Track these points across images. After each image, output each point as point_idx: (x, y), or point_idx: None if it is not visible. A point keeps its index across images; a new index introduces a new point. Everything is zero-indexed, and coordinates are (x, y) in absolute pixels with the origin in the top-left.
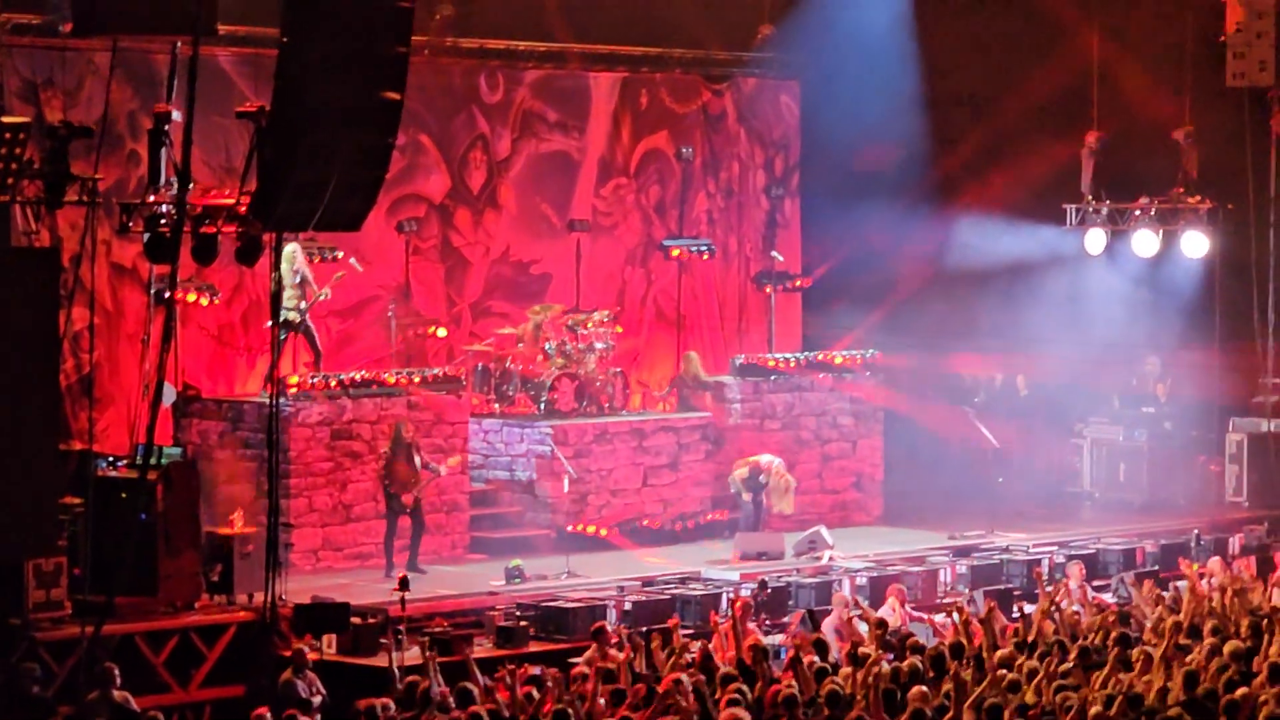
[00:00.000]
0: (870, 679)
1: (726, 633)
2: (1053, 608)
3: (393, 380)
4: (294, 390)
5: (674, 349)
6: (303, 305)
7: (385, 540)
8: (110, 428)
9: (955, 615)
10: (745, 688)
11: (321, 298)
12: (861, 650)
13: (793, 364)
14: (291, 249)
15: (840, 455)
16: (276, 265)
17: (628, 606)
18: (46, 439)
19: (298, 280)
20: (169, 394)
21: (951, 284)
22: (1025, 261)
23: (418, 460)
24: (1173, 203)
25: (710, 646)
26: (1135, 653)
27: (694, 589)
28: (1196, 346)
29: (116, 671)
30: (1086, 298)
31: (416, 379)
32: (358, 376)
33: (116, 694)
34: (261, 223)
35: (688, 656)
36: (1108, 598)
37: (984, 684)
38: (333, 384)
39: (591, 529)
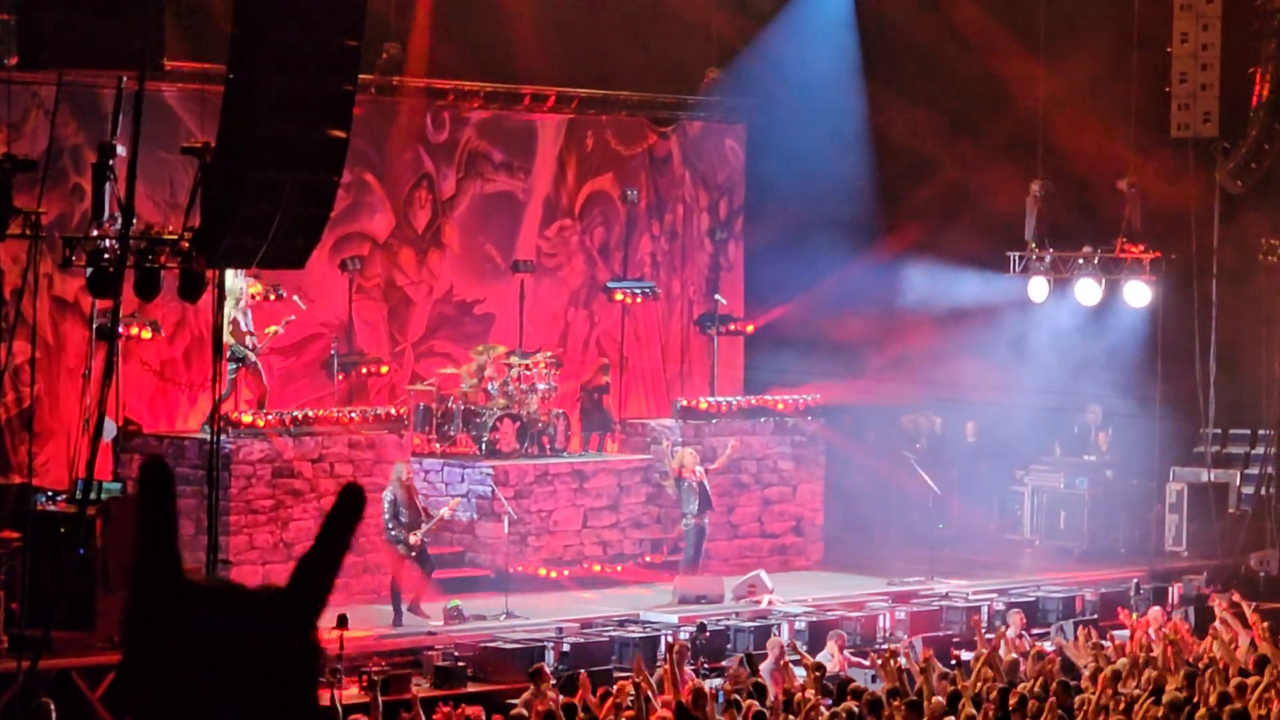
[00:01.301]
0: None
1: (663, 676)
2: (992, 655)
3: (343, 417)
4: (247, 426)
5: (616, 391)
6: (256, 344)
7: (394, 589)
8: (50, 462)
9: (892, 661)
10: None
11: (271, 333)
12: (799, 696)
13: (734, 407)
14: (237, 284)
15: (780, 499)
16: (220, 302)
17: (566, 648)
18: None
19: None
20: (109, 429)
21: (895, 329)
22: (969, 308)
23: (419, 501)
24: (1115, 252)
25: (646, 691)
26: (1076, 701)
27: (633, 631)
28: (1138, 395)
29: (52, 706)
30: (1029, 345)
31: (357, 417)
32: (299, 415)
33: None
34: (205, 259)
35: (626, 699)
36: (1047, 646)
37: None
38: (280, 421)
39: (544, 571)
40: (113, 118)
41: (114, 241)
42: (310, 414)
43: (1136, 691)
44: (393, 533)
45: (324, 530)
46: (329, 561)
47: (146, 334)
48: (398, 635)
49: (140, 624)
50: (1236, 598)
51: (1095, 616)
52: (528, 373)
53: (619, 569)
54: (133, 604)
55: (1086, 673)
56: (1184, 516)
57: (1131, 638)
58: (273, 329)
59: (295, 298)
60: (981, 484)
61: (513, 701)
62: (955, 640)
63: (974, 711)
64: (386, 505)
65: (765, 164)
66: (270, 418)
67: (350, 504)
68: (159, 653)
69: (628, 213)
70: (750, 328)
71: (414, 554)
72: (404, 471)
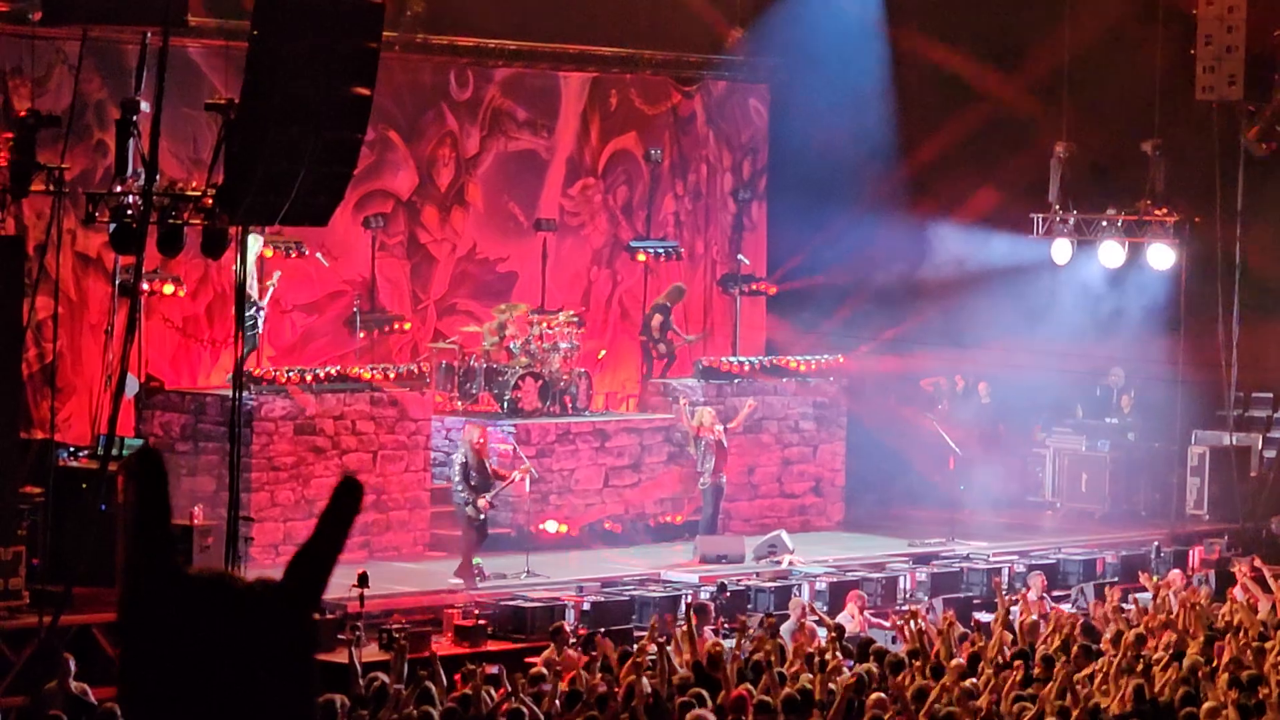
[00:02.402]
0: (833, 685)
1: (682, 636)
2: (1012, 617)
3: (367, 375)
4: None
5: (637, 351)
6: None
7: (468, 553)
8: (72, 418)
9: (912, 622)
10: (704, 692)
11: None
12: (820, 657)
13: (756, 367)
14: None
15: (801, 460)
16: (243, 259)
17: (586, 607)
18: (7, 428)
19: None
20: (132, 385)
21: (918, 290)
22: (992, 269)
23: (490, 464)
24: (1140, 214)
25: (669, 650)
26: (1098, 664)
27: (653, 591)
28: (1161, 358)
29: (73, 662)
30: (1052, 307)
31: (382, 375)
32: (323, 372)
33: (73, 685)
34: (228, 215)
35: (646, 659)
36: (1067, 608)
37: (940, 693)
38: (302, 377)
39: (563, 528)
40: (137, 73)
41: (137, 197)
42: (335, 371)
43: (1157, 655)
44: (461, 494)
45: (321, 524)
46: (325, 556)
47: (170, 289)
48: (418, 593)
49: (135, 614)
50: (1258, 562)
51: (1116, 579)
52: (550, 331)
53: (640, 527)
54: (126, 594)
55: (1107, 636)
56: (1205, 480)
57: (1153, 601)
58: (269, 284)
59: (318, 255)
60: (1003, 446)
61: (533, 660)
62: (976, 602)
63: (993, 674)
64: (457, 468)
65: (789, 124)
66: (294, 374)
67: (348, 498)
68: (154, 643)
69: (651, 172)
70: (773, 288)
71: (481, 518)
72: (475, 434)
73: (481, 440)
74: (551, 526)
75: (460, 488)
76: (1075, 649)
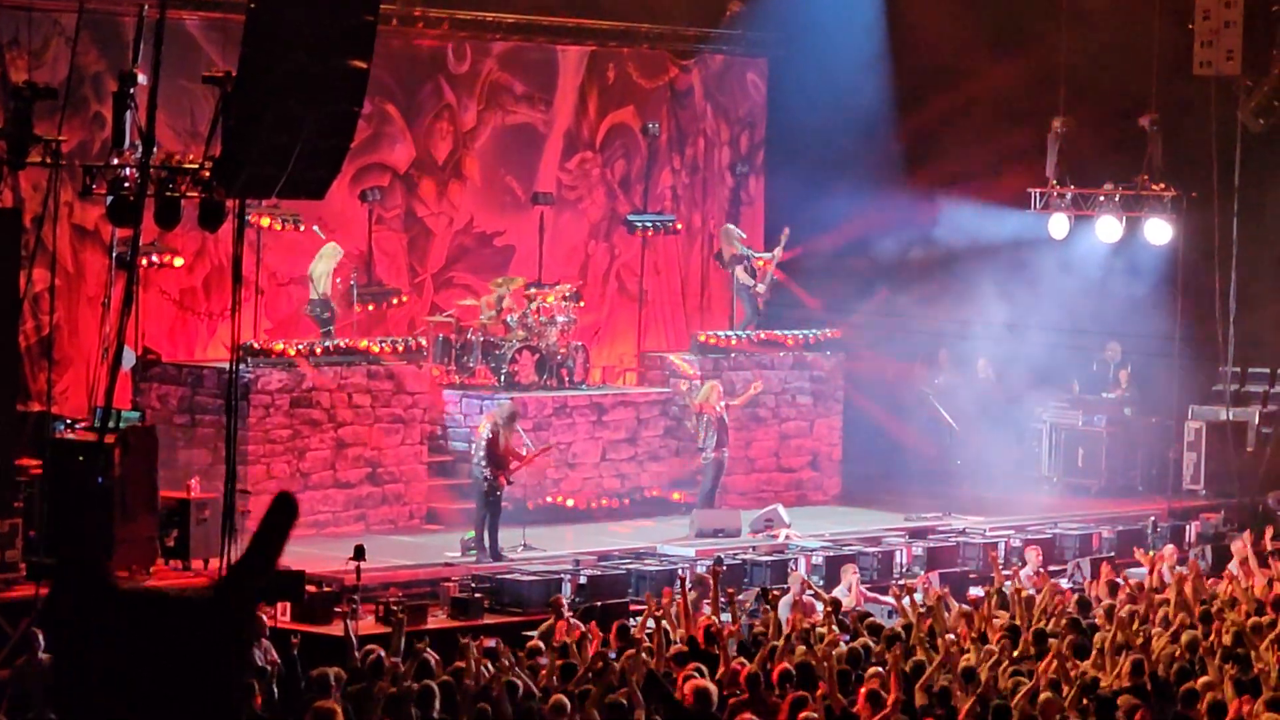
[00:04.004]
0: (826, 658)
1: (678, 611)
2: (1008, 592)
3: (376, 349)
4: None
5: (635, 324)
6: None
7: (492, 529)
8: (69, 390)
9: (908, 597)
10: (703, 666)
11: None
12: (817, 629)
13: (752, 340)
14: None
15: (798, 434)
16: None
17: (583, 580)
18: (4, 400)
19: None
20: (128, 358)
21: (915, 264)
22: (988, 244)
23: (515, 441)
24: (1137, 189)
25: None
26: (1095, 639)
27: (649, 565)
28: (1157, 333)
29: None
30: (1049, 282)
31: (377, 349)
32: (319, 347)
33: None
34: (225, 188)
35: (643, 634)
36: (1063, 583)
37: (936, 667)
38: (311, 350)
39: (570, 502)
40: (134, 46)
41: (134, 170)
42: (337, 344)
43: (1154, 630)
44: (483, 469)
45: (257, 537)
46: (260, 569)
47: (180, 261)
48: (414, 566)
49: (64, 630)
50: (1269, 535)
51: (1112, 554)
52: (547, 305)
53: (636, 501)
54: (55, 610)
55: (1102, 610)
56: (1202, 455)
57: (1149, 575)
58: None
59: (315, 228)
60: (999, 420)
61: (529, 633)
62: (972, 576)
63: (992, 648)
64: (484, 442)
65: (786, 98)
66: (300, 347)
67: (282, 513)
68: (85, 657)
69: (649, 146)
70: (770, 264)
71: (497, 494)
72: (505, 410)
73: (510, 416)
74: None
75: (483, 463)
76: (1069, 623)
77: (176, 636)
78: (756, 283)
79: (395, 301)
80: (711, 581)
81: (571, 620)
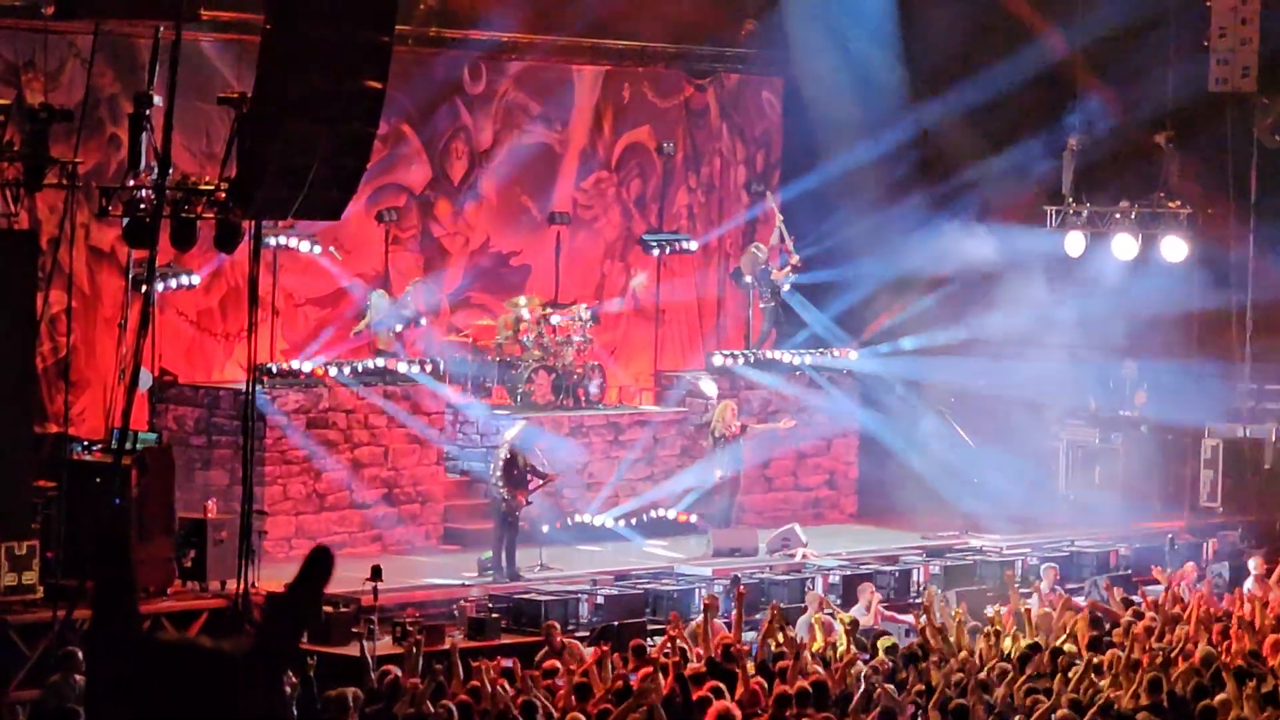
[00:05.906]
0: (843, 677)
1: (697, 631)
2: (1024, 610)
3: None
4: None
5: (651, 343)
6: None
7: (510, 549)
8: (86, 411)
9: (925, 615)
10: (721, 685)
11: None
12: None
13: (769, 360)
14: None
15: (815, 453)
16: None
17: (600, 600)
18: (22, 421)
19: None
20: (145, 379)
21: (931, 283)
22: (1005, 262)
23: (532, 461)
24: (1153, 207)
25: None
26: (1108, 656)
27: (666, 584)
28: (1174, 351)
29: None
30: (1065, 300)
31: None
32: (334, 369)
33: (79, 679)
34: (241, 209)
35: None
36: (1080, 601)
37: (953, 686)
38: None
39: (601, 521)
40: (149, 67)
41: (150, 191)
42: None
43: (1171, 648)
44: (500, 489)
45: (291, 592)
46: (295, 625)
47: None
48: (430, 586)
49: (100, 683)
50: None
51: (1129, 572)
52: (563, 324)
53: (654, 521)
54: (91, 664)
55: (1120, 629)
56: (1219, 472)
57: (1165, 593)
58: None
59: (331, 249)
60: (1017, 438)
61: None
62: (989, 595)
63: (1007, 666)
64: (502, 462)
65: (802, 117)
66: (318, 367)
67: (318, 567)
68: (120, 711)
69: (664, 165)
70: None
71: (515, 514)
72: (518, 429)
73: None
74: (588, 518)
75: (500, 483)
76: (1087, 642)
77: (210, 691)
78: (779, 276)
79: (420, 323)
80: (737, 602)
81: (568, 643)
